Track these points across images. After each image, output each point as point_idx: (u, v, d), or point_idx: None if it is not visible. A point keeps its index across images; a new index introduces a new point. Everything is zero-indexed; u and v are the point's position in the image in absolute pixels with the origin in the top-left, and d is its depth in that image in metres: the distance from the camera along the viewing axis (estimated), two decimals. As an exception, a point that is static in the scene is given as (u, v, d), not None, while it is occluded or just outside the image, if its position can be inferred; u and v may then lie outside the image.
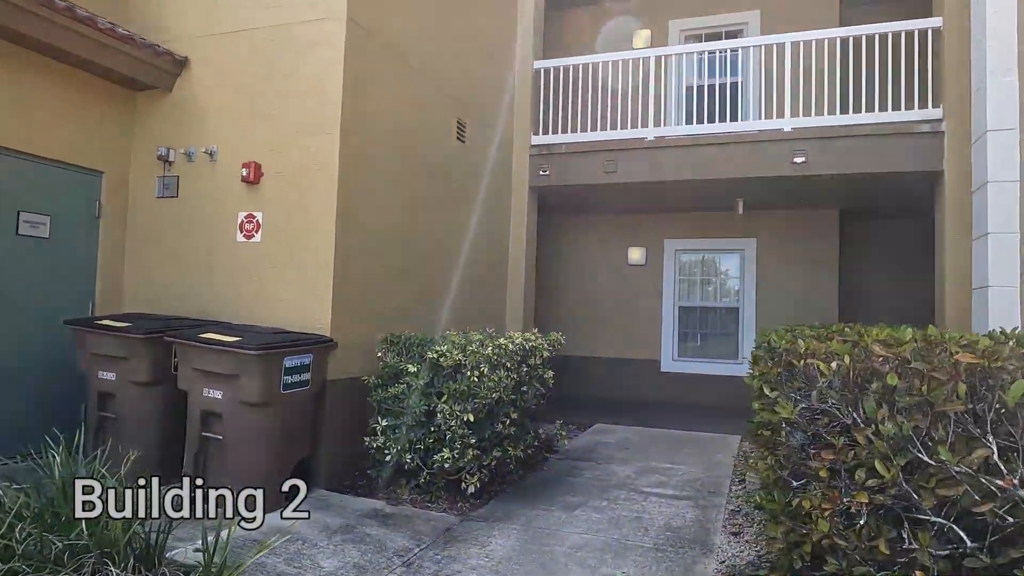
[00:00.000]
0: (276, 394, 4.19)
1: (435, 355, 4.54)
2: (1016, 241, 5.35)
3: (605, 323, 9.97)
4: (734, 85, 8.62)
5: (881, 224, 9.68)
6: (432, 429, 4.50)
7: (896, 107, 7.22)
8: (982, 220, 5.59)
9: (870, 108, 7.33)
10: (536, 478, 5.36)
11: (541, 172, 8.24)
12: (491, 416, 4.68)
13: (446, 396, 4.45)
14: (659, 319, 9.71)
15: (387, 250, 5.63)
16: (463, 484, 4.54)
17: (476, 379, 4.43)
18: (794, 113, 7.63)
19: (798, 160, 7.21)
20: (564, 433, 5.85)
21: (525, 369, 5.13)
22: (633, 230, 9.94)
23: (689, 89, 8.89)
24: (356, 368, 5.15)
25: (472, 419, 4.41)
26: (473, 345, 4.60)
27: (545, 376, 5.47)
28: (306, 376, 4.47)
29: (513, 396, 4.84)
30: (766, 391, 3.45)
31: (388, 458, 4.58)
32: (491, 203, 7.73)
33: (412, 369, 4.52)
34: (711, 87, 8.62)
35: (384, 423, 4.57)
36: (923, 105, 6.97)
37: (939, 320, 6.77)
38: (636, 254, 9.82)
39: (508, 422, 4.81)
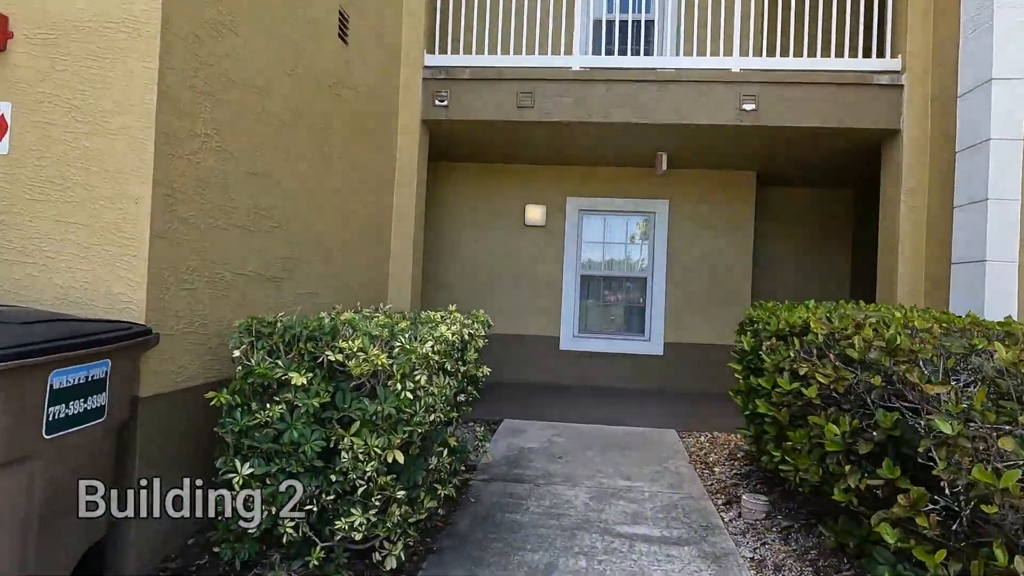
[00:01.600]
0: (31, 443, 2.17)
1: (339, 356, 2.74)
2: (1018, 209, 4.67)
3: (498, 293, 8.50)
4: (676, 15, 7.40)
5: (796, 192, 9.15)
6: (333, 479, 2.72)
7: (853, 54, 6.41)
8: (977, 184, 4.86)
9: (826, 53, 6.45)
10: (467, 517, 3.78)
11: (437, 102, 6.45)
12: (425, 449, 3.01)
13: (358, 425, 2.70)
14: (559, 289, 8.43)
15: (242, 185, 3.63)
16: (379, 556, 2.85)
17: (410, 395, 2.72)
18: (743, 51, 6.57)
19: (747, 107, 6.16)
20: (485, 442, 4.33)
21: (463, 369, 3.50)
22: (532, 184, 8.50)
23: (625, 15, 7.52)
24: (194, 373, 3.19)
25: (400, 458, 2.72)
26: (402, 339, 2.86)
27: (480, 376, 3.88)
28: (98, 399, 2.47)
29: (453, 413, 3.20)
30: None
31: (252, 526, 2.73)
32: (376, 137, 5.83)
33: (299, 380, 2.68)
34: (648, 21, 7.33)
35: (246, 469, 2.70)
36: (881, 54, 6.20)
37: (886, 296, 6.13)
38: (535, 213, 8.41)
39: (446, 451, 3.18)
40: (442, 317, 3.75)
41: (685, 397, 7.78)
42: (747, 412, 4.23)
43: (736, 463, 5.03)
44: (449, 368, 3.19)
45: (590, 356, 8.36)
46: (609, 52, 6.58)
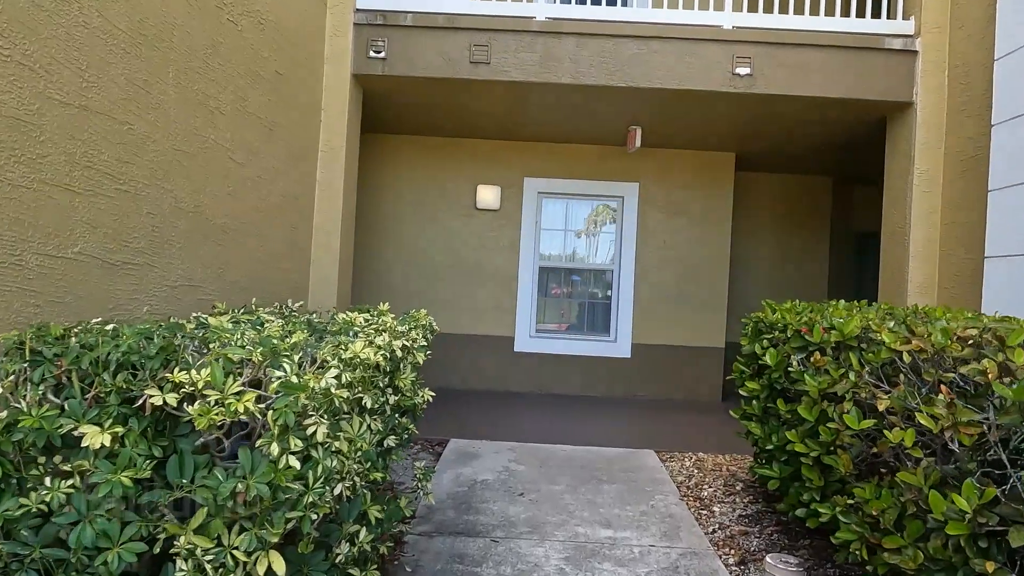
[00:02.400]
0: None
1: (171, 397, 1.61)
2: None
3: (444, 287, 7.39)
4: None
5: (773, 179, 8.36)
6: (161, 604, 1.60)
7: (860, 13, 5.58)
8: (1021, 163, 4.06)
9: (830, 11, 5.60)
10: (399, 603, 2.70)
11: (373, 53, 5.28)
12: (328, 535, 1.91)
13: (205, 514, 1.58)
14: (515, 283, 7.39)
15: (64, 125, 2.42)
16: None
17: (297, 461, 1.62)
18: (737, 6, 5.65)
19: (741, 72, 5.23)
20: (426, 481, 3.24)
21: (393, 400, 2.41)
22: (485, 162, 7.41)
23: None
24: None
25: (279, 568, 1.62)
26: (287, 366, 1.74)
27: (419, 403, 2.81)
28: None
29: (377, 473, 2.12)
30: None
31: None
32: (292, 90, 4.63)
33: (98, 437, 1.54)
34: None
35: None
36: (892, 15, 5.38)
37: (893, 296, 5.33)
38: (488, 195, 7.33)
39: (364, 531, 2.09)
40: (365, 322, 2.64)
41: (658, 407, 6.87)
42: (770, 447, 3.27)
43: (737, 498, 4.10)
44: (371, 404, 2.09)
45: (549, 359, 7.36)
46: (581, 1, 5.55)
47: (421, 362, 2.79)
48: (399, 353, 2.56)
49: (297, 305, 3.47)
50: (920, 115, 5.16)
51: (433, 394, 2.97)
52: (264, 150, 4.21)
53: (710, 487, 4.32)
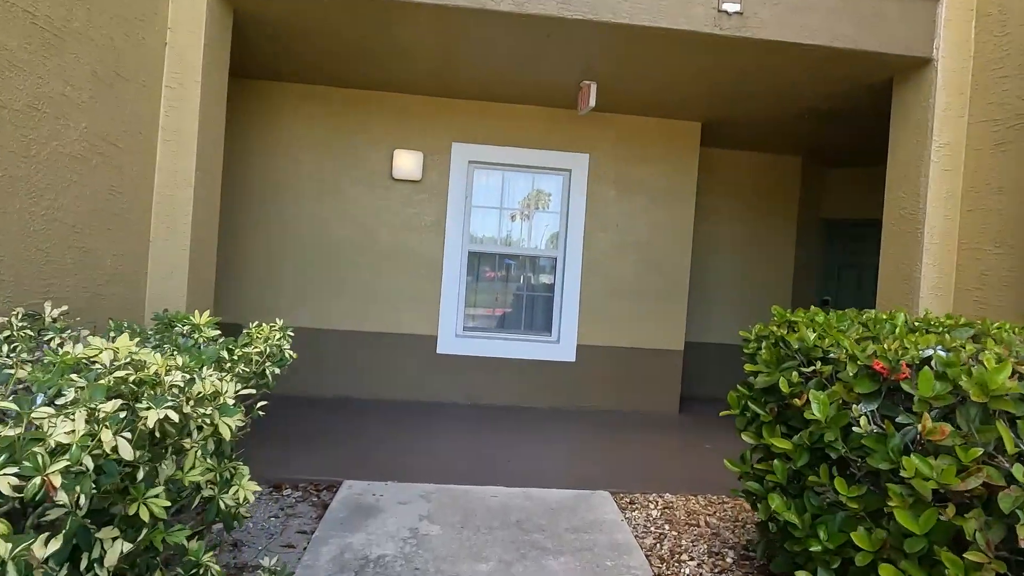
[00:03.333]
0: None
1: None
2: None
3: (351, 275, 6.01)
4: None
5: (738, 157, 7.35)
6: None
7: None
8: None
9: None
10: None
11: (241, -47, 3.83)
12: None
13: None
14: (439, 270, 6.09)
15: None
16: None
17: None
18: (725, -76, 4.48)
19: (729, 8, 4.09)
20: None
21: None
22: (405, 122, 6.04)
23: None
24: None
25: None
26: None
27: (233, 505, 1.48)
28: None
29: None
30: None
31: None
32: (125, 17, 3.15)
33: None
34: None
35: None
36: (911, -52, 4.34)
37: (901, 298, 4.37)
38: (407, 162, 5.97)
39: None
40: (115, 361, 1.31)
41: (609, 421, 5.76)
42: (815, 547, 2.13)
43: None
44: None
45: (479, 363, 6.12)
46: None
47: (230, 436, 1.49)
48: (172, 426, 1.24)
49: (58, 312, 2.08)
50: (942, 75, 4.17)
51: (258, 488, 1.68)
52: (39, 64, 2.75)
53: (689, 556, 3.20)
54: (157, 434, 1.28)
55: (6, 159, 2.59)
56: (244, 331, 2.11)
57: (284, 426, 4.80)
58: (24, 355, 1.70)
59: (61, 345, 1.66)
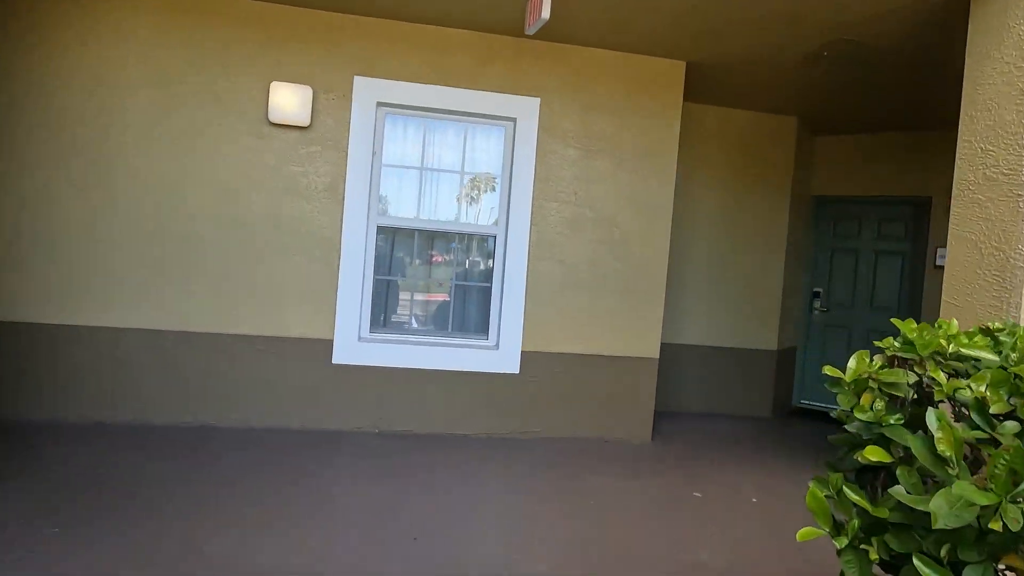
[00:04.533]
0: None
1: None
2: None
3: (211, 260, 4.33)
4: None
5: (725, 115, 5.96)
6: None
7: None
8: None
9: None
10: None
11: None
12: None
13: None
14: (336, 253, 4.47)
15: None
16: None
17: None
18: None
19: None
20: None
21: None
22: (286, 44, 4.36)
23: None
24: None
25: None
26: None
27: None
28: None
29: None
30: None
31: None
32: None
33: None
34: None
35: None
36: None
37: (977, 305, 3.04)
38: (290, 101, 4.29)
39: None
40: None
41: (563, 458, 4.29)
42: None
43: None
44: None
45: (391, 376, 4.55)
46: None
47: None
48: None
49: None
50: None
51: None
52: None
53: None
54: None
55: None
56: None
57: (105, 492, 3.12)
58: None
59: None
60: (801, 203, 6.44)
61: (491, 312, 4.74)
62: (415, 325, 4.77)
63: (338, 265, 4.46)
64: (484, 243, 4.82)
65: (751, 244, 6.08)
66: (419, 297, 4.81)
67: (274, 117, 4.26)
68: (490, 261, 4.79)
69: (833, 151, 6.59)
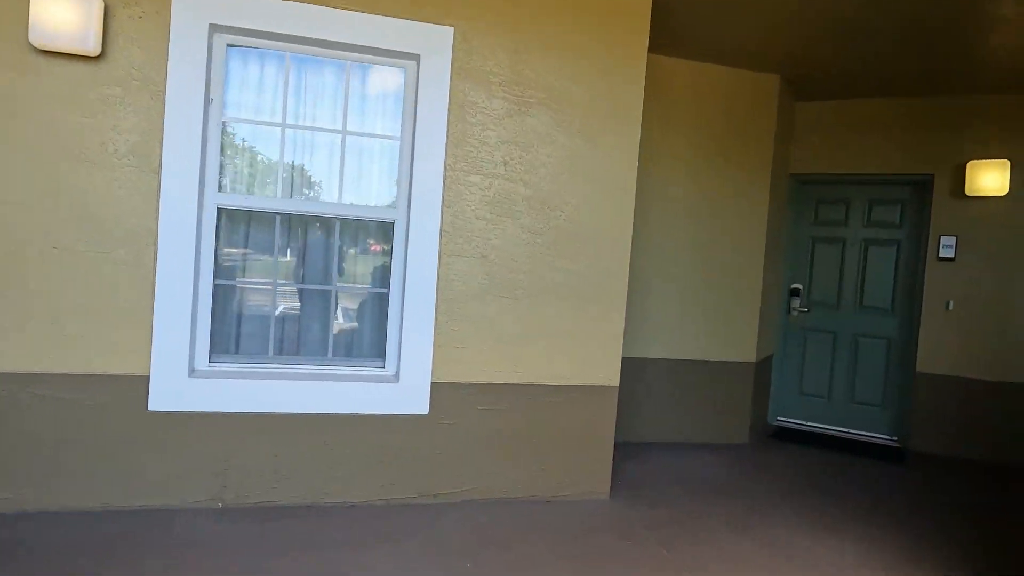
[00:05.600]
0: None
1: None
2: None
3: (-65, 253, 2.82)
4: None
5: (697, 70, 4.74)
6: None
7: None
8: None
9: None
10: None
11: None
12: None
13: None
14: (150, 247, 3.02)
15: None
16: None
17: None
18: None
19: None
20: None
21: None
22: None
23: None
24: None
25: None
26: None
27: None
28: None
29: None
30: None
31: None
32: None
33: None
34: None
35: None
36: None
37: None
38: (63, 16, 2.80)
39: None
40: None
41: (492, 540, 2.99)
42: None
43: None
44: None
45: (240, 425, 3.14)
46: None
47: None
48: None
49: None
50: None
51: None
52: None
53: None
54: None
55: None
56: None
57: None
58: None
59: None
60: (780, 182, 5.33)
61: (388, 329, 3.38)
62: (278, 350, 3.37)
63: (154, 266, 3.01)
64: (377, 231, 3.45)
65: (728, 233, 4.92)
66: (285, 310, 3.40)
67: (38, 39, 2.76)
68: (387, 257, 3.44)
69: (815, 120, 5.50)
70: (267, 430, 3.15)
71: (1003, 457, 4.93)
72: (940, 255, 5.10)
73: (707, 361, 4.91)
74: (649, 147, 4.64)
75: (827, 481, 4.24)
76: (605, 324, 3.57)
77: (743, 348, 4.97)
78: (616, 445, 4.53)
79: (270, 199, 3.24)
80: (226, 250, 3.25)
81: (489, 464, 3.44)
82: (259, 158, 3.28)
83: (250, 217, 3.27)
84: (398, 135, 3.38)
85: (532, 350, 3.47)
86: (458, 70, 3.30)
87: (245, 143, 3.26)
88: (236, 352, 3.30)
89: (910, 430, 5.21)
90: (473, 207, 3.35)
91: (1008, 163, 4.81)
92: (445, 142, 3.29)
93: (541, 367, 3.48)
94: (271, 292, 3.33)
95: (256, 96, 3.23)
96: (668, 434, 4.87)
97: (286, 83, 3.25)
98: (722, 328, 4.91)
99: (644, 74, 3.59)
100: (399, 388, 3.31)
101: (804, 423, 5.69)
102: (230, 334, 3.30)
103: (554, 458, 3.54)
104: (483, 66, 3.33)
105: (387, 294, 3.41)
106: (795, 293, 5.72)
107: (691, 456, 4.56)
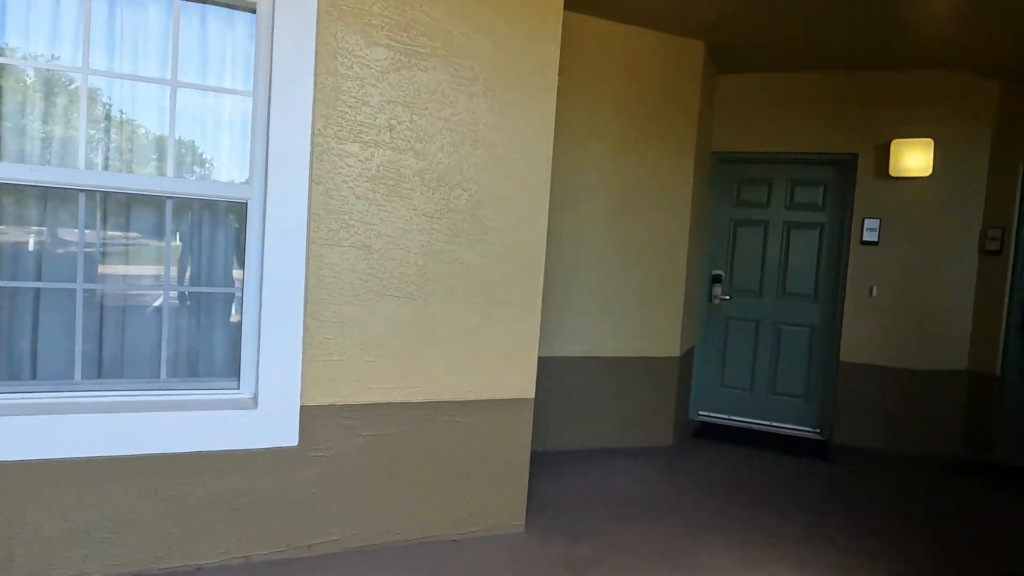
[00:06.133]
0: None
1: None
2: None
3: None
4: None
5: (622, 32, 4.18)
6: None
7: None
8: None
9: None
10: None
11: None
12: None
13: None
14: None
15: None
16: None
17: None
18: None
19: None
20: None
21: None
22: None
23: None
24: None
25: None
26: None
27: None
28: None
29: None
30: None
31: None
32: None
33: None
34: None
35: None
36: None
37: None
38: None
39: None
40: None
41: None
42: None
43: None
44: None
45: (38, 474, 2.32)
46: None
47: None
48: None
49: None
50: None
51: None
52: None
53: None
54: None
55: None
56: None
57: None
58: None
59: None
60: (704, 161, 4.93)
61: (243, 340, 2.64)
62: (89, 373, 2.55)
63: None
64: (222, 214, 2.69)
65: (650, 215, 4.45)
66: (99, 318, 2.59)
67: None
68: (236, 244, 2.69)
69: (737, 94, 5.13)
70: (72, 481, 2.36)
71: (930, 449, 4.78)
72: (864, 239, 4.87)
73: (628, 358, 4.45)
74: (564, 118, 4.08)
75: (757, 488, 3.89)
76: (517, 325, 2.98)
77: (667, 343, 4.54)
78: (531, 455, 3.99)
79: (70, 171, 2.41)
80: (10, 240, 2.41)
81: (377, 502, 2.79)
82: (51, 116, 2.43)
83: (45, 195, 2.43)
84: (248, 88, 2.62)
85: (427, 360, 2.83)
86: (328, 7, 2.57)
87: (34, 92, 2.40)
88: (30, 378, 2.47)
89: (833, 422, 5.00)
90: (350, 184, 2.65)
91: (932, 142, 4.60)
92: (312, 100, 2.57)
93: (439, 381, 2.86)
94: (77, 296, 2.51)
95: (50, 27, 2.38)
96: (587, 440, 4.39)
97: (83, 14, 2.41)
98: (644, 322, 4.46)
99: (560, 28, 2.99)
100: (258, 415, 2.58)
101: (726, 417, 5.39)
102: (20, 353, 2.46)
103: (458, 489, 2.93)
104: (360, 4, 2.62)
105: (240, 296, 2.67)
106: (717, 280, 5.38)
107: (613, 466, 4.09)
